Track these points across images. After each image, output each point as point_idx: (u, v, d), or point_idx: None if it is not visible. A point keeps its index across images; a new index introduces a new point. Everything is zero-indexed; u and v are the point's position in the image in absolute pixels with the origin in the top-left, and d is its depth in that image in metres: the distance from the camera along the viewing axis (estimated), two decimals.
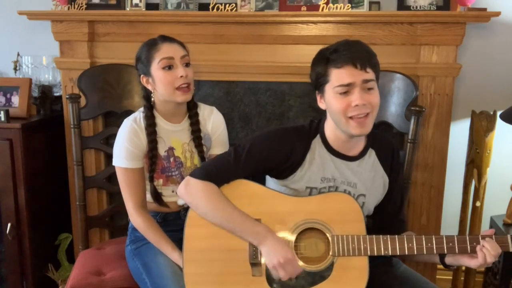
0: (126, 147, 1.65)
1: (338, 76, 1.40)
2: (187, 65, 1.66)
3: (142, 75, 1.67)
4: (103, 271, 1.76)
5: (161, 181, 1.73)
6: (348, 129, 1.43)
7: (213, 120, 1.78)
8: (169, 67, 1.63)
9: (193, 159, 1.75)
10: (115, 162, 1.67)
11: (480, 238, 1.40)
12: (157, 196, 1.71)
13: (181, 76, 1.62)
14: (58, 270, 2.38)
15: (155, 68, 1.63)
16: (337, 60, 1.40)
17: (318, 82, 1.46)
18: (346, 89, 1.40)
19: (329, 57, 1.42)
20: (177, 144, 1.73)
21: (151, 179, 1.70)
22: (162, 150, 1.71)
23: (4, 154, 2.11)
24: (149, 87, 1.67)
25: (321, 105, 1.50)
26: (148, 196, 1.72)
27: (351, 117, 1.41)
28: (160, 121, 1.70)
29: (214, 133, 1.78)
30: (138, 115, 1.70)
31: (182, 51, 1.66)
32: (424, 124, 2.09)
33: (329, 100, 1.44)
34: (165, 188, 1.73)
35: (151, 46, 1.65)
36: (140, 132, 1.66)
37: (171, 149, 1.72)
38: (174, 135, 1.72)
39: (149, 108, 1.68)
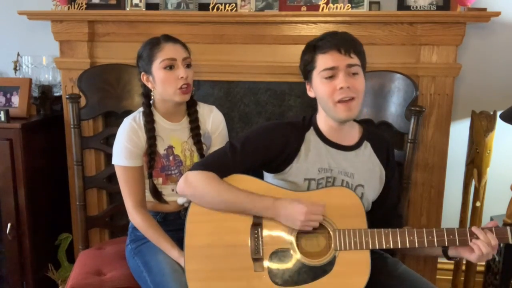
0: (125, 146, 1.65)
1: (323, 60, 1.45)
2: (188, 66, 1.68)
3: (142, 73, 1.69)
4: (103, 271, 1.76)
5: (160, 179, 1.73)
6: (336, 114, 1.47)
7: (212, 119, 1.78)
8: (170, 67, 1.64)
9: (192, 157, 1.75)
10: (115, 160, 1.68)
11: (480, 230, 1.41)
12: (156, 193, 1.71)
13: (181, 77, 1.64)
14: (58, 270, 2.38)
15: (156, 67, 1.64)
16: (323, 46, 1.46)
17: (306, 70, 1.52)
18: (331, 73, 1.44)
19: (316, 44, 1.48)
20: (177, 142, 1.73)
21: (150, 176, 1.70)
22: (161, 149, 1.71)
23: (4, 154, 2.11)
24: (149, 85, 1.69)
25: (310, 93, 1.55)
26: (148, 195, 1.72)
27: (338, 101, 1.45)
28: (160, 120, 1.71)
29: (214, 132, 1.79)
30: (138, 114, 1.71)
31: (184, 53, 1.67)
32: (424, 124, 2.09)
33: (316, 86, 1.49)
34: (165, 187, 1.74)
35: (154, 45, 1.66)
36: (140, 131, 1.67)
37: (170, 147, 1.72)
38: (173, 134, 1.73)
39: (148, 105, 1.69)
